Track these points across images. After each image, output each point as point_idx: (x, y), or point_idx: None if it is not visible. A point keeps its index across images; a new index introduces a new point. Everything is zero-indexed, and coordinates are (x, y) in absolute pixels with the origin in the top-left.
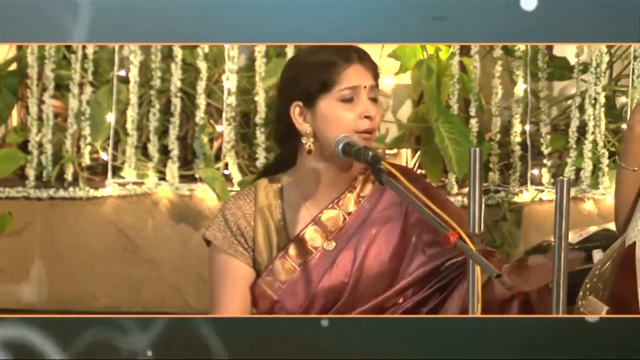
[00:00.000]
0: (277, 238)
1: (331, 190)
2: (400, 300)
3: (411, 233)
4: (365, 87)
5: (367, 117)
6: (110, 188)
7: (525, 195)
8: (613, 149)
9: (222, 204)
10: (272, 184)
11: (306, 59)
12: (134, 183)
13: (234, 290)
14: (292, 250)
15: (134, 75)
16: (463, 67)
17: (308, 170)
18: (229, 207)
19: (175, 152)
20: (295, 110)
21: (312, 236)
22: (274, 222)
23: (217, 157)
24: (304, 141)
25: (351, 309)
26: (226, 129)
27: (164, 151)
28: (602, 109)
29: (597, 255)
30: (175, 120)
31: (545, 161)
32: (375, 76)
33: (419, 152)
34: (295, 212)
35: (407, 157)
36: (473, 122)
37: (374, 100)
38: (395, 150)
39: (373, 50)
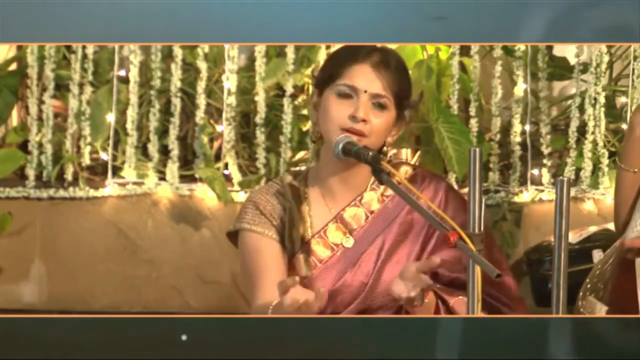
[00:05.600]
0: (299, 233)
1: (349, 188)
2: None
3: (428, 246)
4: (365, 91)
5: (355, 117)
6: (110, 188)
7: (525, 195)
8: (613, 149)
9: (248, 193)
10: (297, 179)
11: (336, 50)
12: (134, 183)
13: (270, 263)
14: (313, 246)
15: (134, 75)
16: (463, 67)
17: (325, 166)
18: (257, 196)
19: (175, 152)
20: (313, 97)
21: (334, 233)
22: (296, 218)
23: (217, 157)
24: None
25: (363, 312)
26: (226, 129)
27: (164, 151)
28: (602, 109)
29: (597, 255)
30: (175, 120)
31: (545, 161)
32: (393, 86)
33: (419, 152)
34: (317, 208)
35: (407, 157)
36: (473, 122)
37: (379, 106)
38: (395, 150)
39: None
